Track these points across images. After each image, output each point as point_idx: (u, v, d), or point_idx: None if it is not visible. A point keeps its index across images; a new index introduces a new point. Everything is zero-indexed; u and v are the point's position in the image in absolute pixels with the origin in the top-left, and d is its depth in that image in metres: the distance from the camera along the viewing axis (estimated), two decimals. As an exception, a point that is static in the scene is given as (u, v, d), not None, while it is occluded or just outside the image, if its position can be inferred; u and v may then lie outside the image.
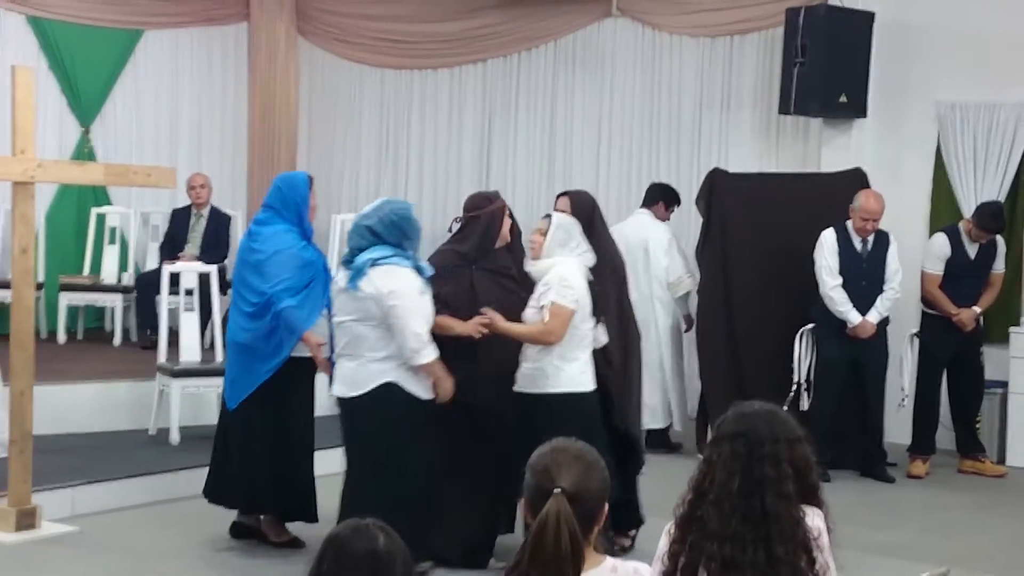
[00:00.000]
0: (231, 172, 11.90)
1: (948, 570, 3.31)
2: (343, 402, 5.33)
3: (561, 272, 5.43)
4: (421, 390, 5.28)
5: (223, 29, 11.98)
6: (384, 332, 5.17)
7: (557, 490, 2.59)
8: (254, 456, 5.78)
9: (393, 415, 5.20)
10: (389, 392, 5.20)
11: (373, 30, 11.87)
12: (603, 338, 5.68)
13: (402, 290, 5.15)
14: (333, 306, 5.41)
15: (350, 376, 5.27)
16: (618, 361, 5.88)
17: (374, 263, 5.14)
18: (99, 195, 10.94)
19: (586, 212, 6.10)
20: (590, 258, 5.63)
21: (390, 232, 5.20)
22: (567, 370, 5.44)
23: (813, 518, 2.98)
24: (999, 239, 8.32)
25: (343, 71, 12.15)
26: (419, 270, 5.28)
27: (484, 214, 5.75)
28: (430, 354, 5.21)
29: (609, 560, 2.74)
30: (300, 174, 6.25)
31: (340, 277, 5.33)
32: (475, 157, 11.46)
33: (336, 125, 12.20)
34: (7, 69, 6.32)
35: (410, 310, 5.15)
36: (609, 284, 5.90)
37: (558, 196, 6.65)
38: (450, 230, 5.89)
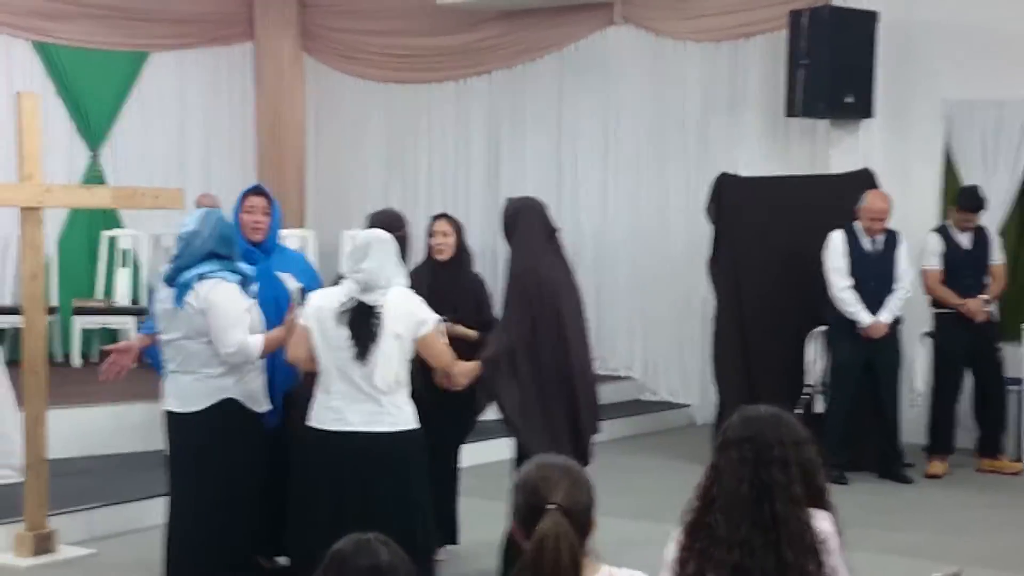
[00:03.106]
0: (240, 191, 11.89)
1: (961, 570, 3.28)
2: (176, 417, 5.15)
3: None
4: (255, 404, 5.17)
5: (228, 49, 12.04)
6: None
7: (552, 506, 2.59)
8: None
9: (234, 431, 5.07)
10: (230, 410, 5.07)
11: (378, 46, 11.90)
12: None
13: (223, 304, 5.00)
14: (159, 323, 5.20)
15: (187, 391, 5.09)
16: (525, 376, 5.44)
17: (201, 277, 5.01)
18: (110, 218, 10.99)
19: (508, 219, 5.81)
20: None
21: (223, 246, 5.07)
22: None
23: (821, 522, 2.97)
24: (991, 231, 8.32)
25: (349, 87, 12.18)
26: (245, 281, 5.14)
27: (403, 236, 5.61)
28: (256, 345, 5.06)
29: (605, 568, 2.73)
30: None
31: (165, 295, 5.13)
32: (483, 169, 11.47)
33: (343, 141, 12.23)
34: (14, 95, 6.34)
35: (227, 322, 4.99)
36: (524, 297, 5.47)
37: (436, 217, 6.25)
38: None
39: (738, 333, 8.63)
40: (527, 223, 5.49)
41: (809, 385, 8.12)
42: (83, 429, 7.80)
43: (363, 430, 4.78)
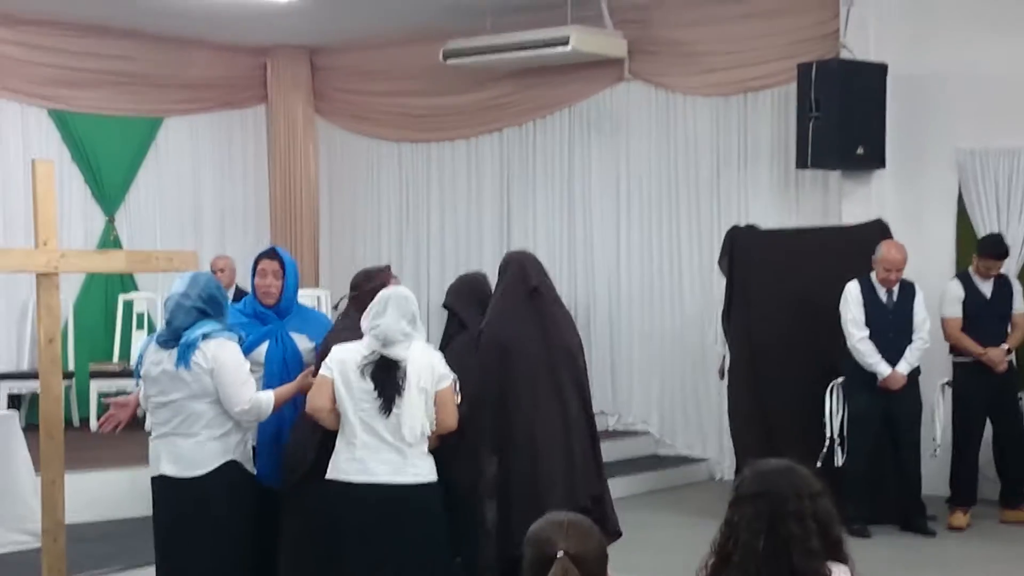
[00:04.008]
0: (255, 251, 11.87)
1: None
2: (173, 483, 5.07)
3: None
4: (250, 466, 5.17)
5: (242, 112, 12.14)
6: (222, 408, 5.03)
7: (560, 553, 2.59)
8: None
9: (237, 494, 5.06)
10: (231, 472, 5.06)
11: (389, 105, 11.99)
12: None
13: (231, 364, 5.00)
14: (150, 387, 5.13)
15: (187, 455, 5.05)
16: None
17: (205, 337, 5.00)
18: (126, 282, 11.04)
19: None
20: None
21: (212, 306, 5.06)
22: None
23: (840, 574, 2.94)
24: (1014, 280, 8.29)
25: (361, 147, 12.26)
26: (242, 341, 5.16)
27: (362, 292, 5.53)
28: (268, 402, 5.06)
29: None
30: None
31: (159, 358, 5.08)
32: (495, 226, 11.51)
33: (356, 200, 12.30)
34: (29, 162, 6.40)
35: (236, 382, 5.00)
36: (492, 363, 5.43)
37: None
38: (335, 307, 5.84)
39: (754, 386, 8.59)
40: (505, 279, 5.55)
41: (828, 438, 8.06)
42: (100, 493, 7.79)
43: (387, 481, 4.86)
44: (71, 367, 10.13)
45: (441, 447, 5.12)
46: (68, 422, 7.02)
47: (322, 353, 5.24)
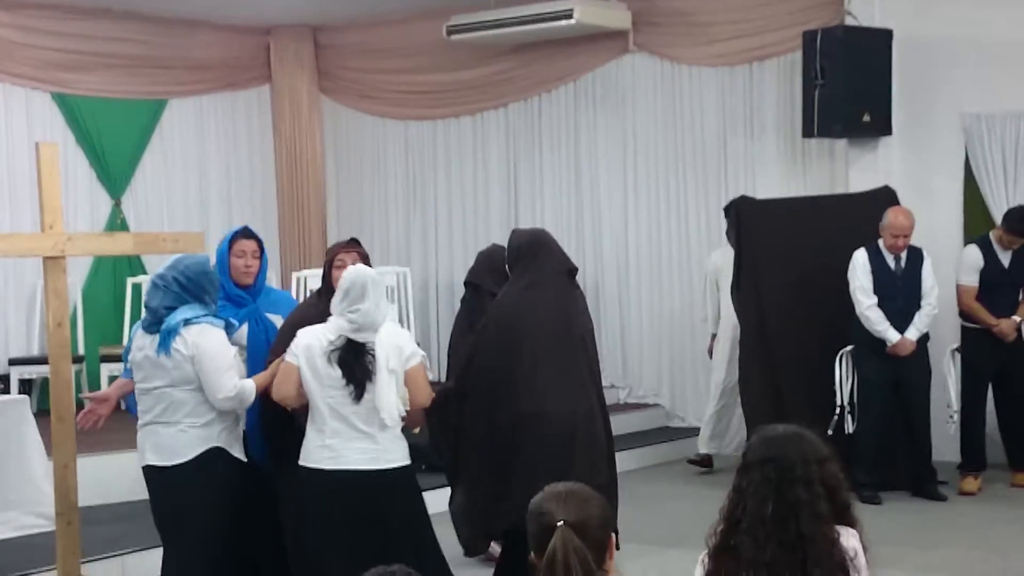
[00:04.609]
0: (262, 232, 11.81)
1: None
2: (157, 471, 5.02)
3: None
4: (239, 452, 5.06)
5: (246, 93, 12.13)
6: (204, 396, 4.94)
7: (559, 523, 2.59)
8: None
9: (220, 482, 4.95)
10: (215, 458, 4.96)
11: (394, 83, 11.97)
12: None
13: (213, 350, 4.90)
14: (136, 372, 5.07)
15: (169, 443, 4.97)
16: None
17: (187, 323, 4.91)
18: (134, 265, 11.05)
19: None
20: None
21: (192, 290, 4.96)
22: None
23: (848, 538, 2.95)
24: None
25: (367, 125, 12.25)
26: (227, 326, 5.05)
27: (325, 265, 5.43)
28: (251, 389, 4.96)
29: None
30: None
31: (144, 343, 5.00)
32: (502, 201, 11.50)
33: (363, 179, 12.29)
34: (34, 146, 6.39)
35: (219, 369, 4.89)
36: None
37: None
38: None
39: (764, 355, 8.59)
40: (529, 258, 5.25)
41: (838, 406, 8.07)
42: (113, 476, 7.81)
43: (361, 468, 4.75)
44: (81, 351, 10.16)
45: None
46: (79, 406, 7.01)
47: (281, 333, 5.14)
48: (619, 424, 10.09)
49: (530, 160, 11.35)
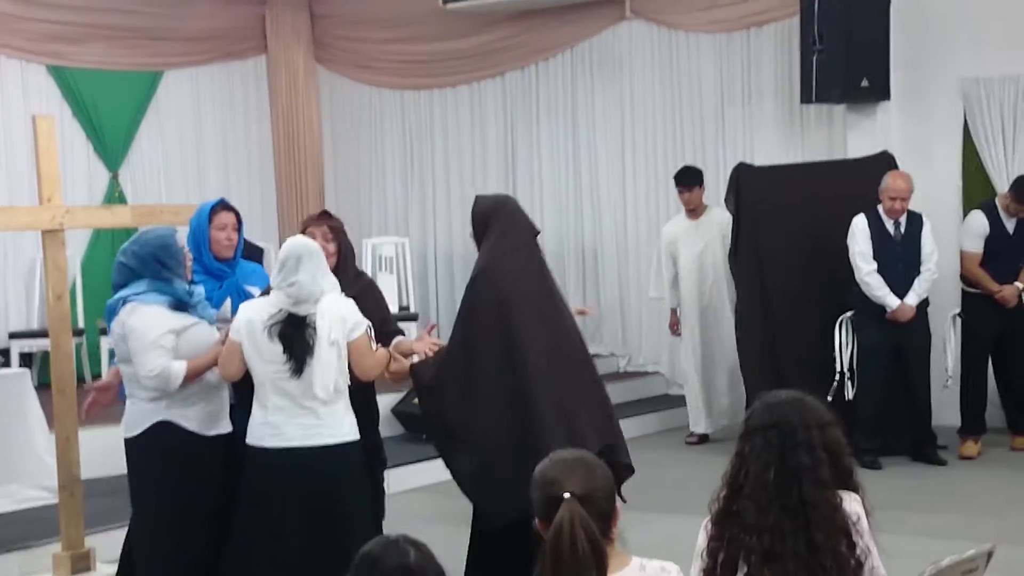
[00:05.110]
0: (260, 204, 11.99)
1: (994, 546, 3.26)
2: (124, 443, 5.06)
3: None
4: (200, 426, 4.93)
5: (242, 63, 12.09)
6: None
7: (566, 494, 2.59)
8: None
9: (168, 455, 4.88)
10: (162, 431, 4.89)
11: (390, 52, 11.93)
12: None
13: (136, 329, 4.81)
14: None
15: (126, 417, 5.00)
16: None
17: (124, 301, 4.88)
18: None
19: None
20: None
21: (146, 265, 4.89)
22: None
23: (851, 503, 2.96)
24: None
25: (363, 95, 12.21)
26: (180, 302, 4.90)
27: None
28: (179, 372, 4.81)
29: (636, 560, 2.73)
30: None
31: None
32: (500, 170, 11.48)
33: (360, 149, 12.27)
34: (30, 119, 6.38)
35: (140, 348, 4.81)
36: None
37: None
38: None
39: (763, 323, 8.60)
40: (501, 222, 5.00)
41: (838, 372, 8.08)
42: (114, 448, 7.78)
43: (301, 445, 4.66)
44: (80, 324, 10.15)
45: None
46: (80, 378, 7.07)
47: None
48: (619, 392, 10.17)
49: (527, 128, 11.32)
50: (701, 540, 2.98)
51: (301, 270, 4.65)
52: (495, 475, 4.76)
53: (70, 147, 10.62)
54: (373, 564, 2.42)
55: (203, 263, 5.27)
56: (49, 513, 6.39)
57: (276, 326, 4.66)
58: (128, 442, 5.03)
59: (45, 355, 8.67)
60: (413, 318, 10.39)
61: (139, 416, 4.96)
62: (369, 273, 10.88)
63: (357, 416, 4.99)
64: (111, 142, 11.12)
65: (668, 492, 7.48)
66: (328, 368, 4.65)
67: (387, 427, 7.95)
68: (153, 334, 4.82)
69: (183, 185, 11.49)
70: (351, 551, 4.50)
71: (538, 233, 5.11)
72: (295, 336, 4.64)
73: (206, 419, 4.97)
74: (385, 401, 7.95)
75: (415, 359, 5.15)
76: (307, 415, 4.67)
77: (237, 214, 5.39)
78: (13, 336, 10.10)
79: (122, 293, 4.91)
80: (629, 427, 9.39)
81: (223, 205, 5.39)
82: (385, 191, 12.13)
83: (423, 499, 7.40)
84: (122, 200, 10.97)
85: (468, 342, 4.86)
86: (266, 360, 4.68)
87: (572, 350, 4.99)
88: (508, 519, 4.64)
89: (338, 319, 4.69)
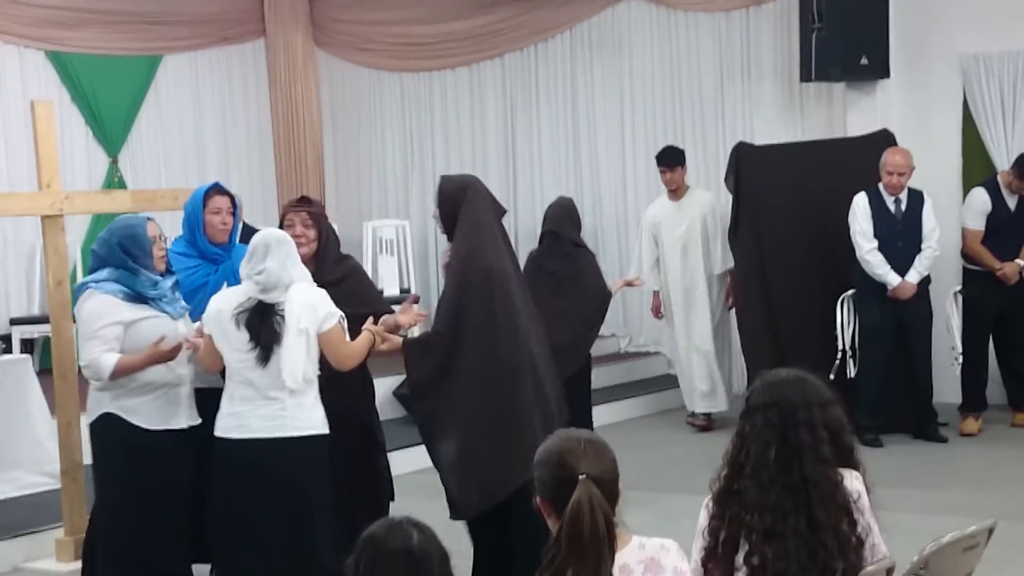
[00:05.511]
0: (260, 187, 11.98)
1: (995, 522, 3.27)
2: None
3: None
4: (147, 421, 4.88)
5: (240, 47, 12.06)
6: None
7: (582, 476, 2.59)
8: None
9: (113, 446, 4.89)
10: (107, 423, 4.89)
11: (388, 35, 11.91)
12: None
13: (84, 317, 4.83)
14: None
15: (87, 403, 5.01)
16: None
17: (84, 287, 4.88)
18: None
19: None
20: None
21: (112, 253, 4.86)
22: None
23: (851, 480, 2.96)
24: None
25: (363, 78, 12.19)
26: (137, 293, 4.84)
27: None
28: (107, 365, 4.78)
29: (636, 538, 2.73)
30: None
31: None
32: (500, 152, 11.47)
33: (360, 132, 12.25)
34: (29, 105, 6.37)
35: (84, 336, 4.81)
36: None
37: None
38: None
39: (763, 302, 8.59)
40: (474, 203, 4.85)
41: (840, 350, 8.08)
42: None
43: (264, 437, 4.58)
44: (82, 309, 10.14)
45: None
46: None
47: None
48: (620, 372, 10.22)
49: (527, 110, 11.30)
50: (702, 519, 2.99)
51: (269, 258, 4.59)
52: (474, 462, 4.67)
53: (69, 132, 10.61)
54: (377, 546, 2.42)
55: (198, 248, 5.26)
56: (51, 498, 6.41)
57: (244, 314, 4.60)
58: (89, 429, 5.05)
59: (46, 341, 8.67)
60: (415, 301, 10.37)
61: (93, 404, 4.98)
62: (370, 256, 10.91)
63: (352, 399, 4.99)
64: (110, 127, 11.11)
65: (669, 471, 7.49)
66: (296, 357, 4.57)
67: (389, 410, 7.98)
68: (96, 324, 4.81)
69: (183, 169, 11.47)
70: (312, 547, 4.48)
71: (504, 213, 5.03)
72: (262, 324, 4.57)
73: (154, 414, 4.90)
74: (387, 384, 7.97)
75: (412, 333, 5.11)
76: (272, 405, 4.59)
77: (232, 198, 5.35)
78: (14, 322, 10.11)
79: (85, 279, 4.93)
80: (630, 407, 9.49)
81: (217, 189, 5.34)
82: (385, 174, 12.11)
83: (427, 481, 7.39)
84: (122, 185, 10.95)
85: (459, 322, 4.74)
86: (234, 349, 4.62)
87: (541, 334, 4.94)
88: (479, 511, 4.63)
89: (308, 308, 4.62)
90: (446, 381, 4.73)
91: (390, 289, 10.37)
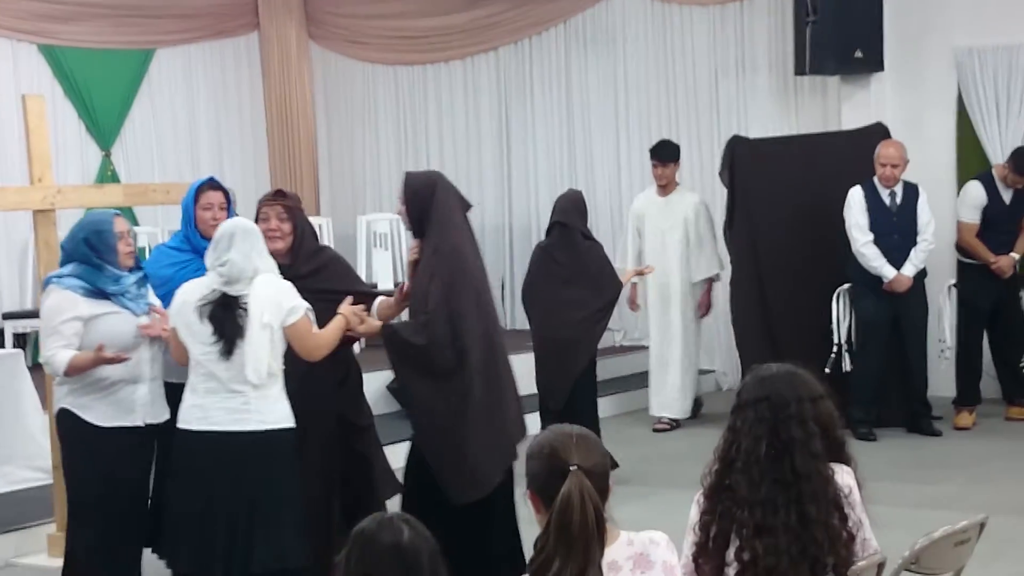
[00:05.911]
0: (253, 181, 11.93)
1: (986, 517, 3.26)
2: None
3: None
4: (100, 418, 4.82)
5: (234, 41, 12.04)
6: None
7: (573, 467, 2.58)
8: None
9: (69, 444, 4.89)
10: (64, 419, 4.88)
11: (383, 28, 11.88)
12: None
13: (45, 312, 4.81)
14: None
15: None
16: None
17: (49, 281, 4.88)
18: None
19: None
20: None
21: (76, 248, 4.83)
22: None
23: (843, 475, 2.96)
24: None
25: (357, 72, 12.17)
26: (98, 289, 4.78)
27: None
28: (62, 362, 4.71)
29: (624, 534, 2.72)
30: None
31: None
32: (494, 145, 11.46)
33: (354, 126, 12.23)
34: (20, 99, 6.35)
35: (44, 331, 4.80)
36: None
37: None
38: None
39: (758, 296, 8.58)
40: (444, 201, 4.82)
41: (836, 344, 8.06)
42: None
43: (227, 429, 4.53)
44: (75, 304, 10.12)
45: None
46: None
47: None
48: (614, 366, 10.18)
49: (521, 103, 11.29)
50: (693, 514, 2.98)
51: (233, 248, 4.54)
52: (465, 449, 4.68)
53: (62, 126, 10.58)
54: (368, 541, 2.42)
55: (191, 243, 5.23)
56: (43, 494, 6.39)
57: (207, 306, 4.54)
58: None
59: (38, 336, 8.65)
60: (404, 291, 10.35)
61: (55, 399, 4.98)
62: (364, 250, 10.89)
63: (334, 385, 4.98)
64: (103, 121, 11.08)
65: (661, 466, 7.48)
66: (260, 351, 4.51)
67: (382, 404, 7.95)
68: (56, 320, 4.78)
69: (176, 163, 11.46)
70: (274, 540, 4.45)
71: (470, 207, 4.99)
72: (226, 317, 4.52)
73: (107, 411, 4.86)
74: (379, 378, 7.95)
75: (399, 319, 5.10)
76: (235, 398, 4.53)
77: (226, 193, 5.32)
78: (6, 317, 10.08)
79: (50, 274, 4.93)
80: (624, 401, 9.46)
81: (211, 184, 5.32)
82: (379, 167, 12.09)
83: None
84: (115, 179, 10.93)
85: (453, 313, 4.70)
86: (198, 341, 4.57)
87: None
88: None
89: (272, 302, 4.56)
90: (435, 376, 4.71)
91: (384, 283, 10.35)
